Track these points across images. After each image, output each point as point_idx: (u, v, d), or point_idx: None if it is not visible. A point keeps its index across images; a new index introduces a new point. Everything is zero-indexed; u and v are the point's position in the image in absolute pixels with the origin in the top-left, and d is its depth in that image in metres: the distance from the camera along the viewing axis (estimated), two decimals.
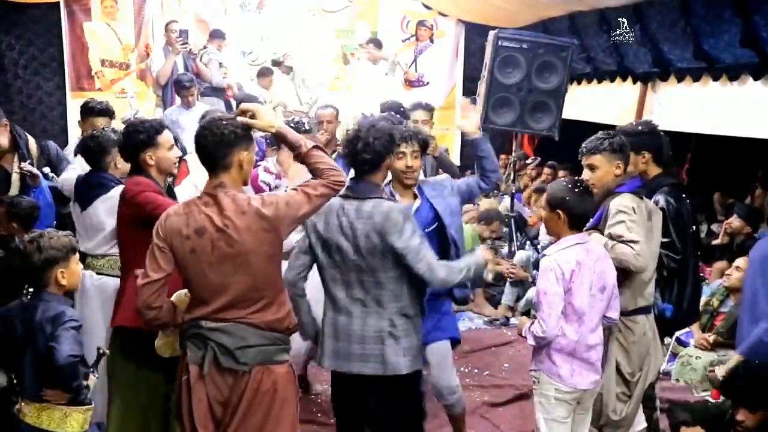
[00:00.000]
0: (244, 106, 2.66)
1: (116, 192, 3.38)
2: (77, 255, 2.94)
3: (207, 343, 2.56)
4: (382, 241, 2.90)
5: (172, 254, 2.56)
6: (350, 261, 2.96)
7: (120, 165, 3.59)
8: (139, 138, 3.13)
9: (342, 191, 2.81)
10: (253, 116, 2.61)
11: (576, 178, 3.19)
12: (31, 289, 2.84)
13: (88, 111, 4.61)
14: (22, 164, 3.90)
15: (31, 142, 4.14)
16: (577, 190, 3.02)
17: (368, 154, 2.96)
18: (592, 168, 3.36)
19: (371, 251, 2.93)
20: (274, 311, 2.62)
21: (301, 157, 2.65)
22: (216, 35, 8.22)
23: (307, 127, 4.42)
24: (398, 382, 3.05)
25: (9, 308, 2.83)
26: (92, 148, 3.63)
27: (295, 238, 3.17)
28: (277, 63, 8.87)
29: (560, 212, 3.02)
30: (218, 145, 2.54)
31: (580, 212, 3.02)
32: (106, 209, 3.53)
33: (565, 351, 3.02)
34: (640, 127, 3.72)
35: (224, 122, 2.58)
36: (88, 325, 3.35)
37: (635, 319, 3.33)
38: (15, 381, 2.83)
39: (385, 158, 3.02)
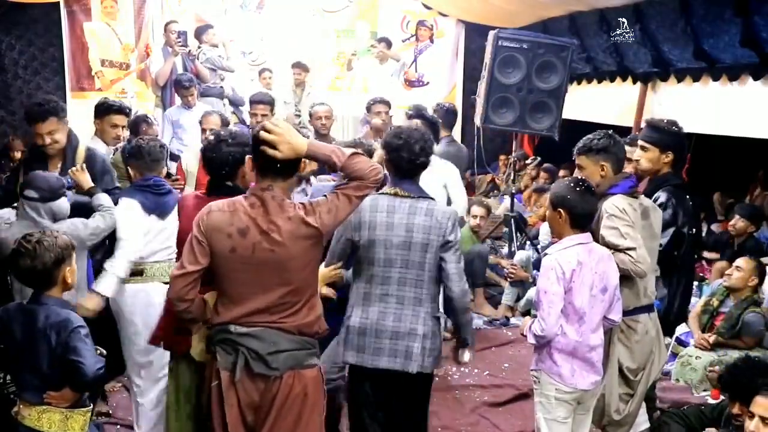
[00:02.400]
0: (264, 135, 2.50)
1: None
2: (74, 253, 2.88)
3: (238, 349, 2.55)
4: (438, 237, 3.02)
5: (210, 250, 2.54)
6: (397, 257, 3.03)
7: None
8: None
9: (386, 189, 2.96)
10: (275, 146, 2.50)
11: (578, 177, 3.19)
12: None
13: (107, 109, 4.53)
14: (72, 169, 3.72)
15: (81, 148, 3.94)
16: (578, 189, 3.02)
17: (424, 157, 3.10)
18: (580, 168, 3.38)
19: (424, 248, 3.03)
20: (304, 315, 2.60)
21: (337, 170, 2.62)
22: (202, 30, 8.18)
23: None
24: (420, 380, 3.13)
25: (6, 310, 2.78)
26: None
27: None
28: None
29: (562, 211, 3.03)
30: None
31: (581, 211, 3.02)
32: None
33: (566, 350, 3.02)
34: (674, 127, 3.71)
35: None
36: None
37: (637, 318, 3.33)
38: (8, 383, 2.81)
39: None
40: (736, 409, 3.18)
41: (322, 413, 2.72)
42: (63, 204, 3.43)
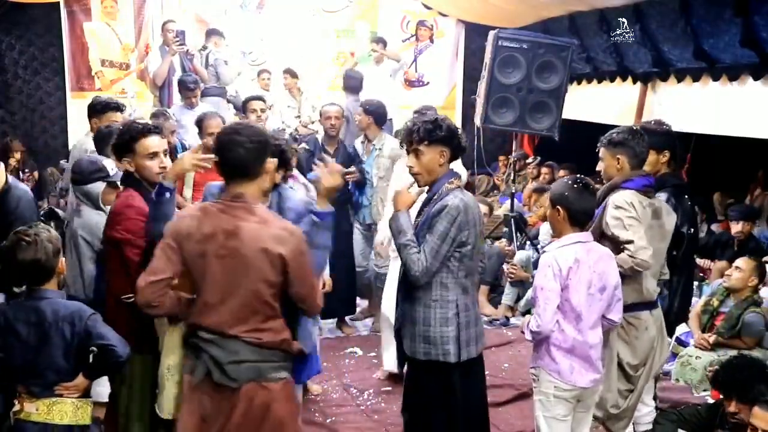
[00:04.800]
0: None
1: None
2: None
3: (200, 355, 2.53)
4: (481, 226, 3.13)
5: (181, 256, 2.52)
6: (477, 248, 3.10)
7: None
8: (119, 140, 3.03)
9: (459, 183, 3.04)
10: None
11: (577, 175, 3.20)
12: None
13: (105, 107, 4.56)
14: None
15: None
16: (576, 186, 3.04)
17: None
18: (600, 160, 3.44)
19: (481, 235, 3.14)
20: (269, 327, 2.55)
21: None
22: (213, 33, 8.19)
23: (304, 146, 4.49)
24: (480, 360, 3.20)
25: (3, 312, 2.73)
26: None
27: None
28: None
29: (560, 209, 3.05)
30: (252, 152, 2.52)
31: (579, 209, 3.04)
32: None
33: (564, 347, 3.02)
34: (664, 126, 3.74)
35: (256, 132, 2.58)
36: None
37: (638, 315, 3.35)
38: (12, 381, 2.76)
39: None
40: (732, 408, 3.19)
41: (294, 427, 2.65)
42: (95, 188, 3.45)
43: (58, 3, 8.55)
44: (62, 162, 7.84)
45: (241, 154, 2.51)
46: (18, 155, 7.47)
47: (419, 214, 3.11)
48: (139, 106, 8.06)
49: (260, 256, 2.47)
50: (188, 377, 2.58)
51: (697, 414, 3.73)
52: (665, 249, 3.43)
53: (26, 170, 7.98)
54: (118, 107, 4.59)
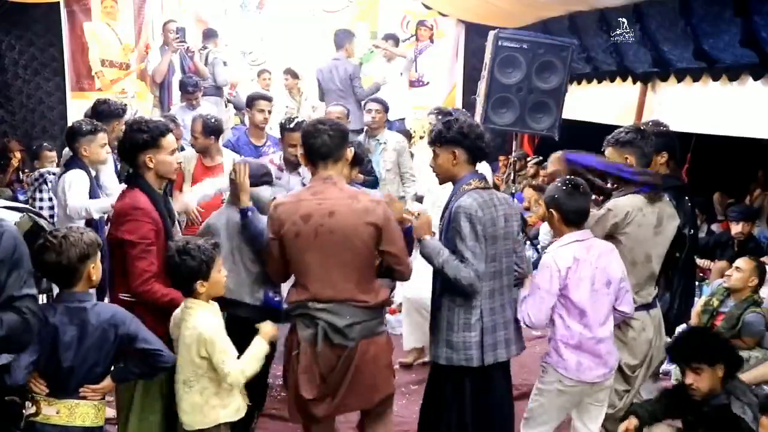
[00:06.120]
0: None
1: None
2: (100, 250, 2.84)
3: (317, 322, 2.87)
4: (517, 223, 3.16)
5: (281, 241, 2.89)
6: (504, 249, 3.07)
7: (87, 152, 3.95)
8: (142, 137, 3.05)
9: (475, 183, 3.02)
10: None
11: (568, 177, 3.26)
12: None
13: (114, 114, 4.70)
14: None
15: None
16: (565, 188, 3.12)
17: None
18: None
19: (510, 235, 3.11)
20: (371, 289, 2.93)
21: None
22: (209, 35, 8.20)
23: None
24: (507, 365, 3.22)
25: (47, 316, 2.61)
26: None
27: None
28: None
29: (553, 211, 3.15)
30: (334, 138, 2.92)
31: (571, 209, 3.13)
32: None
33: (571, 344, 3.13)
34: (661, 127, 3.76)
35: (336, 122, 3.07)
36: None
37: (635, 316, 3.37)
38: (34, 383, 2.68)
39: None
40: (689, 379, 3.21)
41: (393, 374, 3.11)
42: (262, 192, 3.46)
43: (58, 3, 8.54)
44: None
45: (325, 140, 2.92)
46: (18, 155, 7.45)
47: (442, 216, 3.15)
48: (139, 106, 8.07)
49: (358, 227, 2.86)
50: (306, 345, 2.89)
51: (663, 398, 3.59)
52: (662, 254, 3.43)
53: (26, 170, 7.97)
54: (125, 113, 4.71)
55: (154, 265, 2.97)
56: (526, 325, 3.17)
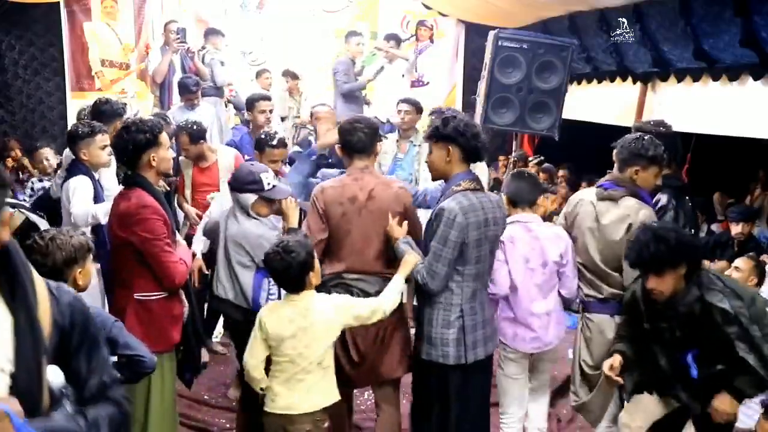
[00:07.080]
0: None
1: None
2: (91, 255, 2.81)
3: (351, 290, 3.25)
4: (503, 226, 3.28)
5: (327, 219, 3.26)
6: (487, 251, 3.16)
7: (87, 155, 4.01)
8: (144, 137, 3.07)
9: (469, 185, 3.06)
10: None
11: (522, 169, 3.80)
12: None
13: (114, 114, 4.65)
14: None
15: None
16: (512, 174, 3.63)
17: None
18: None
19: (495, 239, 3.22)
20: (394, 265, 3.21)
21: None
22: (211, 33, 8.19)
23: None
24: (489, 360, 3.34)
25: None
26: None
27: None
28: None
29: (503, 195, 3.60)
30: (368, 135, 3.33)
31: (511, 192, 3.57)
32: None
33: (508, 318, 3.50)
34: (661, 128, 3.80)
35: (369, 120, 3.51)
36: None
37: (590, 316, 3.55)
38: None
39: None
40: (651, 284, 3.03)
41: (410, 337, 3.42)
42: (246, 198, 3.46)
43: (58, 3, 8.54)
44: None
45: (361, 137, 3.34)
46: (18, 154, 7.44)
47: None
48: (139, 106, 8.06)
49: (391, 209, 3.26)
50: None
51: (628, 318, 3.43)
52: (602, 252, 3.45)
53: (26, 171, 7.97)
54: (124, 113, 4.67)
55: (178, 256, 3.14)
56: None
